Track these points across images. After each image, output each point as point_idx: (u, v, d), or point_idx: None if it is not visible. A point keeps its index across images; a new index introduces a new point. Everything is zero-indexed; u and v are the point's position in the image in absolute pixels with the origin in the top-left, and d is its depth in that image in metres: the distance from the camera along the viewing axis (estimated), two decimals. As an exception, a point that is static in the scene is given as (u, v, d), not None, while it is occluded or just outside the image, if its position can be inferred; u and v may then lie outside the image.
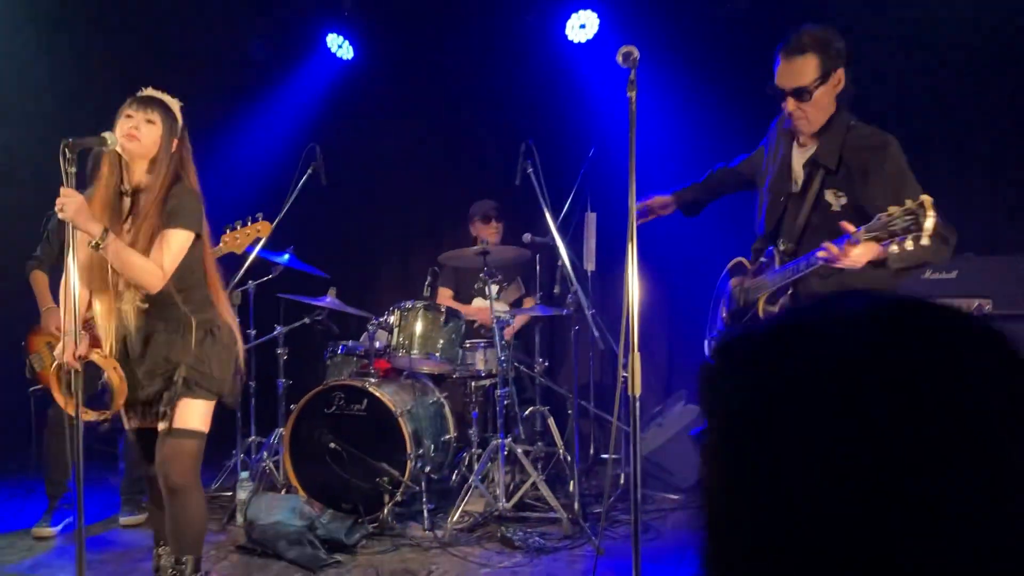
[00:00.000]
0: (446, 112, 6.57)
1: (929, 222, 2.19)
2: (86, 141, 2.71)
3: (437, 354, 4.65)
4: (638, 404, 2.32)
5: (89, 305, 2.93)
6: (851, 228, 2.38)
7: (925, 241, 2.22)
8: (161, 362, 2.90)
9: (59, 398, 2.80)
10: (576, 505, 4.32)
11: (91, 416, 2.87)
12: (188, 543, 2.96)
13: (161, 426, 2.90)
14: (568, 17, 6.05)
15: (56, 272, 4.41)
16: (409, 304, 4.74)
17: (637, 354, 2.28)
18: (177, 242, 2.85)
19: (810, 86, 2.68)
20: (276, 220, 4.36)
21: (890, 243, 2.29)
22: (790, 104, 2.74)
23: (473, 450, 4.66)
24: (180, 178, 2.92)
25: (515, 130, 5.26)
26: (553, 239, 4.52)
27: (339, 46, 6.50)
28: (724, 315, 3.13)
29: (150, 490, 3.15)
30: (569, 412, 5.03)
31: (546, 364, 5.09)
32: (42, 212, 4.48)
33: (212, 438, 3.02)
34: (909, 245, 2.25)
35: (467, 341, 4.84)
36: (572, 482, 4.49)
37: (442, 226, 6.56)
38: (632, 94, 2.39)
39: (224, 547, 4.01)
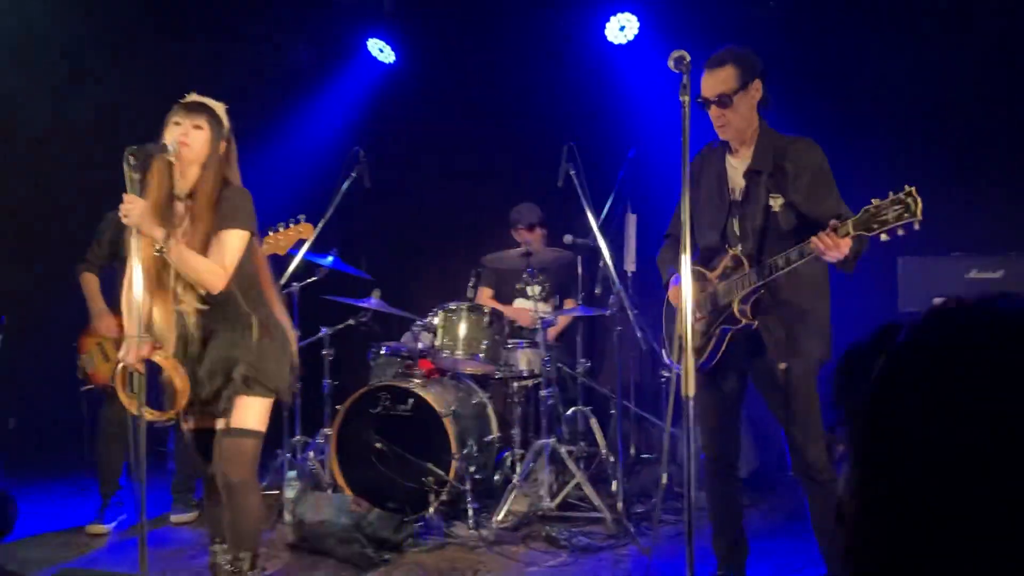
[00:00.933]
0: (487, 114, 6.61)
1: (920, 207, 2.42)
2: (148, 148, 2.79)
3: (481, 355, 4.69)
4: (692, 404, 2.33)
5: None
6: (836, 222, 2.60)
7: (916, 227, 2.43)
8: (222, 360, 2.96)
9: (123, 398, 2.88)
10: (620, 504, 4.34)
11: (154, 416, 2.95)
12: (246, 539, 3.03)
13: (220, 424, 2.97)
14: (608, 19, 6.07)
15: (105, 274, 4.52)
16: (453, 305, 4.77)
17: (691, 356, 2.30)
18: (234, 242, 2.92)
19: (731, 92, 2.96)
20: (320, 223, 4.45)
21: (879, 232, 2.51)
22: (713, 111, 3.01)
23: (515, 450, 4.69)
24: (229, 180, 2.99)
25: (556, 132, 5.27)
26: (594, 240, 4.53)
27: (380, 50, 6.57)
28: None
29: (207, 488, 3.22)
30: (611, 412, 5.05)
31: (588, 364, 5.10)
32: (85, 215, 4.59)
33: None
34: (901, 232, 2.47)
35: (509, 342, 4.87)
36: (615, 482, 4.50)
37: (484, 227, 6.58)
38: (685, 99, 2.40)
39: (275, 545, 4.07)
